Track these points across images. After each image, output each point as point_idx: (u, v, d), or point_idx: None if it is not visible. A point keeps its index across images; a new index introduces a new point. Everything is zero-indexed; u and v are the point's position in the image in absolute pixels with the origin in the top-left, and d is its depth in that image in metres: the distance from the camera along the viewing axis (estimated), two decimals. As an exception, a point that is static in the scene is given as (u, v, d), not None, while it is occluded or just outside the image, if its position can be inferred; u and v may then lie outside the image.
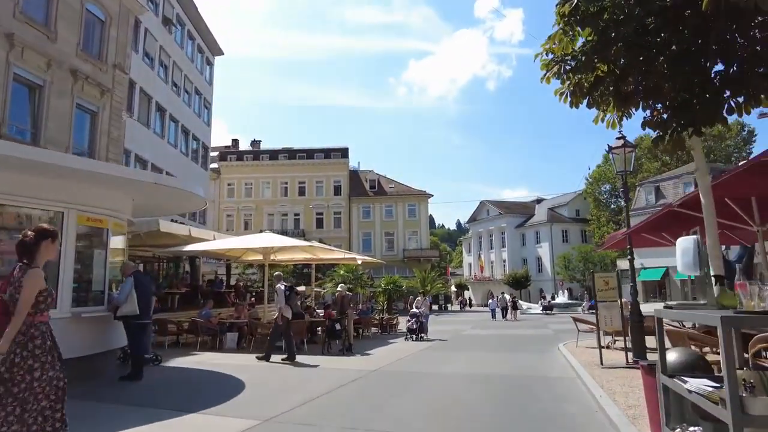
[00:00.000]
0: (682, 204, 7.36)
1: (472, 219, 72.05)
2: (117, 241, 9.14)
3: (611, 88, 5.70)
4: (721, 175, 6.14)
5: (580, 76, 5.88)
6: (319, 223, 56.40)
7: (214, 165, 54.29)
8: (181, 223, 23.24)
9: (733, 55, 4.93)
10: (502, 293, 36.51)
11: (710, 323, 2.62)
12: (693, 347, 6.29)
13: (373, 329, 19.17)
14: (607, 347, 10.85)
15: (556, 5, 5.24)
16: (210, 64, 39.50)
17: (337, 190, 57.44)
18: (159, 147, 29.34)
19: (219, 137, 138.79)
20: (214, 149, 58.14)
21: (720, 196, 6.36)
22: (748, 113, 5.30)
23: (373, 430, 5.25)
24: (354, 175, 59.15)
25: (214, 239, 17.22)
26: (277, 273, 11.55)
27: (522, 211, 67.13)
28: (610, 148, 9.28)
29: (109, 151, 21.57)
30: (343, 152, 59.25)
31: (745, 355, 4.50)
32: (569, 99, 6.16)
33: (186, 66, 33.76)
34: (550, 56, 5.94)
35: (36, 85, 17.54)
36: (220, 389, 7.43)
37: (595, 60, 5.52)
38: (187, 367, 9.76)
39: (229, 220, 55.49)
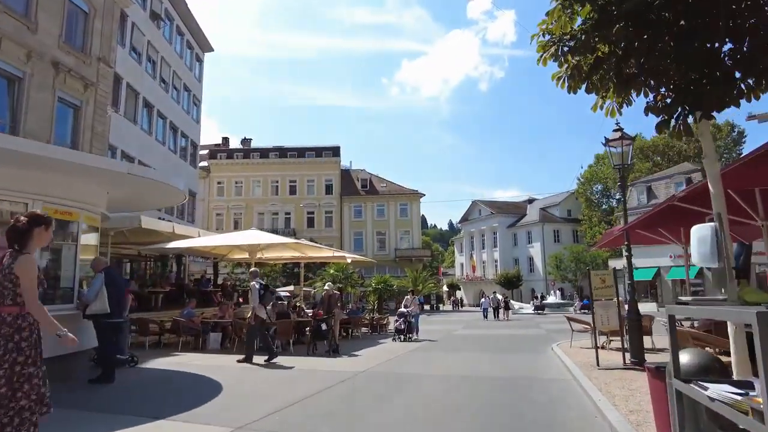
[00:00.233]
0: (684, 197, 7.00)
1: (464, 219, 71.84)
2: (90, 237, 8.66)
3: (612, 71, 5.33)
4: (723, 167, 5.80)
5: (578, 58, 5.51)
6: (310, 223, 55.88)
7: (203, 163, 53.59)
8: (168, 221, 22.73)
9: (743, 33, 4.58)
10: (494, 293, 36.22)
11: (744, 320, 2.25)
12: (699, 348, 5.93)
13: (364, 329, 18.81)
14: (602, 347, 10.50)
15: (554, -23, 4.87)
16: (200, 60, 38.90)
17: (329, 189, 56.93)
18: (146, 144, 28.75)
19: (210, 136, 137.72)
20: (204, 147, 57.44)
21: (722, 188, 6.03)
22: (758, 98, 4.95)
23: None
24: (345, 174, 58.67)
25: (199, 236, 16.74)
26: (252, 270, 11.07)
27: (514, 211, 67.03)
28: (607, 141, 8.92)
29: (93, 147, 20.97)
30: (335, 151, 58.76)
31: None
32: (567, 83, 5.79)
33: (175, 62, 33.16)
34: (547, 38, 5.59)
35: (15, 77, 16.97)
36: (195, 393, 6.99)
37: (596, 39, 5.15)
38: (165, 368, 9.29)
39: (218, 219, 54.79)
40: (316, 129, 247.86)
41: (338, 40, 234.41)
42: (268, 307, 10.35)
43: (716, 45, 4.75)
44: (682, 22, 4.55)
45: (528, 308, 42.34)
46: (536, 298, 46.22)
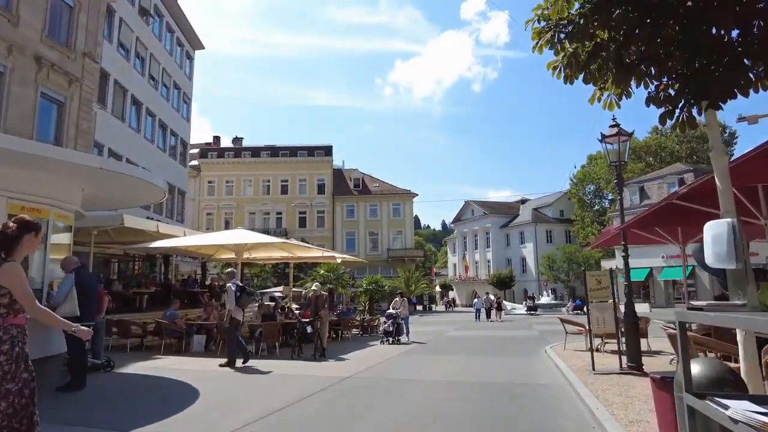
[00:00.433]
0: (685, 195, 6.69)
1: (457, 219, 71.62)
2: (62, 236, 8.23)
3: (611, 59, 5.00)
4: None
5: (576, 45, 5.18)
6: (302, 222, 55.40)
7: (194, 162, 52.98)
8: (157, 220, 22.25)
9: (753, 16, 4.25)
10: (487, 293, 35.97)
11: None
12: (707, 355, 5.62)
13: (354, 330, 18.46)
14: (597, 350, 10.19)
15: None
16: (190, 58, 38.37)
17: (321, 189, 56.46)
18: (134, 142, 28.24)
19: (203, 136, 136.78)
20: (195, 146, 56.82)
21: (730, 183, 5.72)
22: (765, 89, 4.64)
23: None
24: (338, 173, 58.25)
25: (185, 235, 16.30)
26: (229, 270, 10.66)
27: (506, 211, 66.89)
28: (604, 137, 8.61)
29: (77, 144, 20.46)
30: (327, 150, 58.31)
31: None
32: (563, 73, 5.46)
33: (164, 59, 32.63)
34: (543, 23, 5.26)
35: (-5, 72, 16.50)
36: (169, 400, 6.59)
37: (594, 24, 4.82)
38: (142, 373, 8.86)
39: (209, 219, 54.16)
40: (309, 129, 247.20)
41: (332, 40, 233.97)
42: (254, 309, 9.97)
43: (722, 32, 4.44)
44: (689, 3, 4.23)
45: (520, 309, 42.14)
46: (529, 298, 46.02)
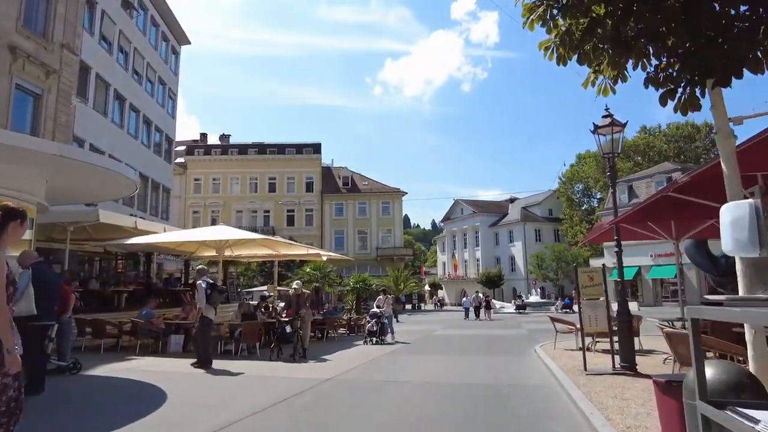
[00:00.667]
0: (681, 188, 6.35)
1: (447, 218, 71.43)
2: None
3: (608, 36, 4.62)
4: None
5: (570, 21, 4.81)
6: (290, 221, 54.76)
7: (180, 159, 52.13)
8: (141, 217, 21.64)
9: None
10: (476, 292, 35.70)
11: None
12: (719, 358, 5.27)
13: (341, 330, 18.04)
14: (588, 349, 9.86)
15: None
16: (176, 53, 37.63)
17: (309, 187, 55.84)
18: (117, 137, 27.53)
19: (191, 135, 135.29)
20: (181, 143, 55.95)
21: (719, 174, 5.40)
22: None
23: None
24: (327, 171, 57.68)
25: (165, 231, 15.77)
26: (199, 267, 10.18)
27: (496, 210, 66.82)
28: (596, 127, 8.27)
29: (55, 138, 19.81)
30: (316, 148, 57.70)
31: None
32: (555, 54, 5.09)
33: (149, 54, 31.89)
34: (534, -1, 4.88)
35: (-34, 62, 15.87)
36: (134, 405, 6.13)
37: (590, -4, 4.45)
38: (110, 375, 8.36)
39: (195, 217, 53.29)
40: (299, 128, 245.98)
41: (322, 39, 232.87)
42: (235, 308, 9.51)
43: (727, 9, 4.08)
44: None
45: (509, 307, 41.96)
46: (519, 297, 45.89)
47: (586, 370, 7.88)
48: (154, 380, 7.66)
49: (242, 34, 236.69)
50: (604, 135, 8.29)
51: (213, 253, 16.40)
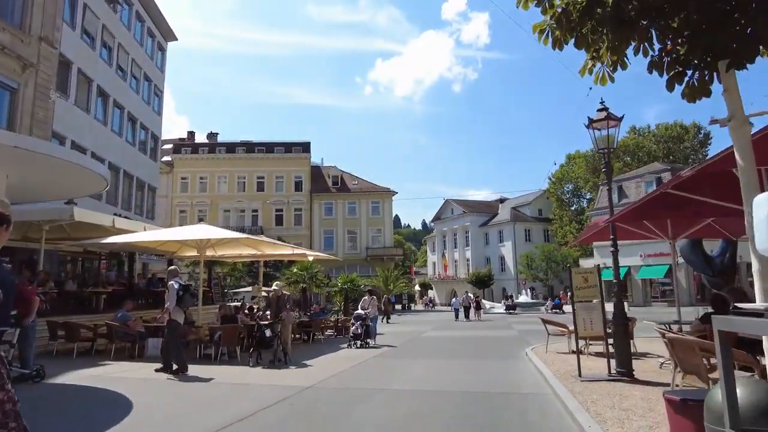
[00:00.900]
0: (680, 185, 5.97)
1: (437, 218, 71.18)
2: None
3: (607, 17, 4.21)
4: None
5: (567, 1, 4.41)
6: (279, 220, 54.10)
7: (167, 158, 51.29)
8: (125, 217, 21.00)
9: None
10: (466, 292, 35.38)
11: None
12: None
13: (329, 332, 17.57)
14: (581, 352, 9.49)
15: None
16: (162, 49, 36.86)
17: (298, 186, 55.21)
18: (101, 135, 26.80)
19: (181, 134, 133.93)
20: (168, 141, 55.08)
21: (722, 169, 5.03)
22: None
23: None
24: (316, 170, 57.09)
25: (144, 230, 15.19)
26: (171, 268, 9.68)
27: (486, 210, 66.67)
28: (591, 121, 7.89)
29: (32, 134, 19.13)
30: (305, 147, 57.09)
31: None
32: (551, 37, 4.68)
33: (134, 49, 31.13)
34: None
35: (-67, 52, 15.20)
36: (94, 418, 5.64)
37: (590, -28, 4.05)
38: (76, 383, 7.83)
39: (182, 216, 52.42)
40: (288, 127, 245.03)
41: (312, 39, 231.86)
42: (222, 313, 9.01)
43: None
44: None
45: (499, 308, 41.71)
46: (509, 297, 45.67)
47: (580, 376, 7.49)
48: (121, 388, 7.16)
49: (232, 32, 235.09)
50: (599, 129, 7.92)
51: (195, 253, 15.86)
